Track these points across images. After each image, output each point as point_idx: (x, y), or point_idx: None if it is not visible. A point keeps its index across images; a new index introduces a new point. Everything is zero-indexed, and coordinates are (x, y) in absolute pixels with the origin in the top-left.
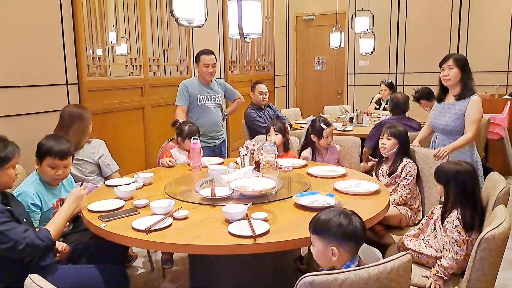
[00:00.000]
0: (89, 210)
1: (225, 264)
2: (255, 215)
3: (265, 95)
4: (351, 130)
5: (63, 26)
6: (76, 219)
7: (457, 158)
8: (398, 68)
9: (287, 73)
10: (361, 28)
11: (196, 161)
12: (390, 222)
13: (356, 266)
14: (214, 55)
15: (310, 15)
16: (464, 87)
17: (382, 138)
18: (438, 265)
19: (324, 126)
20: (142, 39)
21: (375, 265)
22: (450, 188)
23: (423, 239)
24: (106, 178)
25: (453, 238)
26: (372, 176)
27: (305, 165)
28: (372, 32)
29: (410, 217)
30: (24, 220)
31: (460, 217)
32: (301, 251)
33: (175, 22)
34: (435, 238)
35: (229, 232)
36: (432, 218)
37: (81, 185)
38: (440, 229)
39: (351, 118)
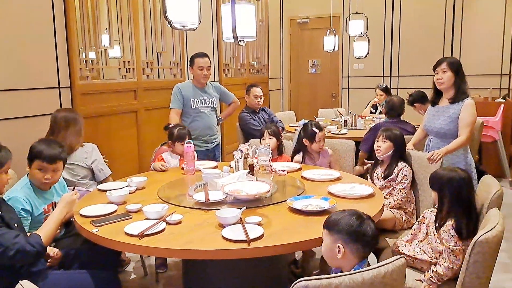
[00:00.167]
0: (81, 215)
1: (219, 268)
2: (249, 219)
3: (260, 98)
4: (346, 133)
5: (55, 29)
6: (68, 224)
7: (451, 161)
8: (392, 71)
9: (282, 76)
10: (355, 31)
11: (190, 165)
12: (384, 226)
13: None
14: (209, 58)
15: (304, 18)
16: (458, 91)
17: (377, 141)
18: (433, 271)
19: (316, 130)
20: (135, 42)
21: (369, 269)
22: (445, 195)
23: (417, 244)
24: (99, 183)
25: (449, 248)
26: (367, 179)
27: (300, 169)
28: (366, 35)
29: (405, 220)
30: (15, 225)
31: (456, 227)
32: (296, 255)
33: (169, 25)
34: (428, 244)
35: (223, 237)
36: (423, 223)
37: (72, 190)
38: (434, 235)
39: (345, 121)
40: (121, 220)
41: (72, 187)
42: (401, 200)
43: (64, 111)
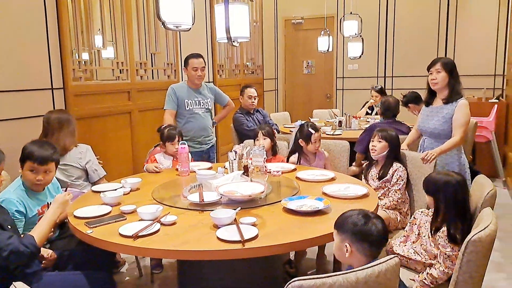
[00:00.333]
0: (75, 216)
1: (214, 269)
2: (243, 219)
3: (254, 99)
4: (340, 134)
5: (47, 30)
6: (62, 225)
7: (444, 162)
8: (386, 72)
9: (276, 77)
10: (350, 32)
11: (184, 166)
12: None
13: None
14: (203, 59)
15: (298, 19)
16: (452, 91)
17: (373, 141)
18: (427, 273)
19: (312, 131)
20: (129, 42)
21: (363, 269)
22: (440, 200)
23: (410, 245)
24: (93, 184)
25: (446, 254)
26: (361, 179)
27: (294, 169)
28: (361, 36)
29: (400, 221)
30: (9, 226)
31: (451, 232)
32: (290, 255)
33: (162, 26)
34: (421, 245)
35: (217, 237)
36: (415, 224)
37: (65, 191)
38: (429, 237)
39: (340, 122)
40: (115, 221)
41: (65, 188)
42: (397, 201)
43: (56, 113)
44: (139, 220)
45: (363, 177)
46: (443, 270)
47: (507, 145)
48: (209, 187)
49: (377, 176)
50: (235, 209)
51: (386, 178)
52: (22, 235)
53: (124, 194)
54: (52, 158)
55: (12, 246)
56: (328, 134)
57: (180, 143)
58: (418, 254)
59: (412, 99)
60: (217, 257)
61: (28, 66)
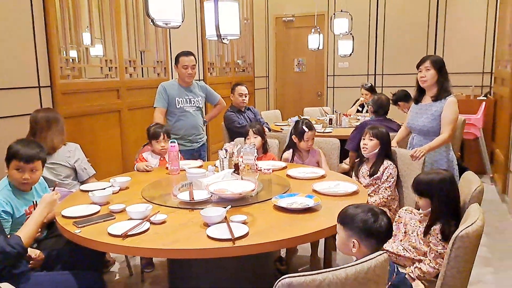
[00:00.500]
0: (63, 216)
1: (204, 267)
2: (234, 218)
3: (245, 97)
4: (331, 132)
5: (34, 27)
6: (50, 225)
7: (433, 158)
8: (376, 70)
9: (267, 75)
10: (340, 29)
11: (174, 165)
12: None
13: None
14: (194, 57)
15: (289, 17)
16: (441, 88)
17: (364, 139)
18: (416, 267)
19: (306, 129)
20: (118, 40)
21: (352, 265)
22: (436, 199)
23: (399, 243)
24: (82, 183)
25: (437, 251)
26: (351, 177)
27: (285, 167)
28: (351, 33)
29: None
30: None
31: (444, 231)
32: (281, 252)
33: (151, 23)
34: (409, 243)
35: (207, 236)
36: (400, 222)
37: (53, 190)
38: (417, 235)
39: (330, 119)
40: (104, 221)
41: (53, 188)
42: (387, 198)
43: (43, 111)
44: (129, 219)
45: (353, 174)
46: (434, 266)
47: (495, 142)
48: (200, 186)
49: (368, 174)
50: (225, 207)
51: (376, 175)
52: (9, 236)
53: (113, 193)
54: (38, 156)
55: None
56: (318, 132)
57: (170, 141)
58: (407, 251)
59: (402, 97)
60: (207, 255)
61: (15, 64)
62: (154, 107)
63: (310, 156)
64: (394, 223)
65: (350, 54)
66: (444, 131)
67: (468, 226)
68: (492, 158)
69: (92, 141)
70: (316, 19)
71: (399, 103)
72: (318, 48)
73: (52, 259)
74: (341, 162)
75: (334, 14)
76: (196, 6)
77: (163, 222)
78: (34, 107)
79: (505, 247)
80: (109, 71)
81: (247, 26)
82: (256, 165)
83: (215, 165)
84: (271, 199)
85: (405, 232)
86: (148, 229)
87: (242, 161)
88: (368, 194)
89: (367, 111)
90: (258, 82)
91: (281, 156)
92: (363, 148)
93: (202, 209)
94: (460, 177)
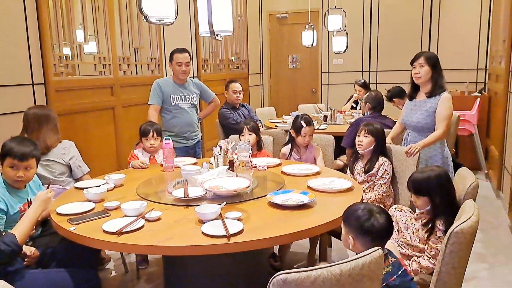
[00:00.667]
0: (57, 213)
1: (199, 264)
2: (228, 214)
3: (239, 94)
4: (325, 128)
5: (27, 24)
6: (44, 223)
7: (428, 155)
8: (371, 67)
9: (262, 72)
10: (334, 26)
11: (169, 162)
12: None
13: None
14: (189, 54)
15: (283, 13)
16: (435, 85)
17: (359, 136)
18: (414, 260)
19: (304, 124)
20: (111, 37)
21: (347, 261)
22: (435, 197)
23: (393, 240)
24: (77, 180)
25: (437, 249)
26: (346, 173)
27: (280, 164)
28: (345, 30)
29: None
30: None
31: (445, 228)
32: (274, 249)
33: (145, 20)
34: (402, 240)
35: (202, 233)
36: (393, 221)
37: (47, 188)
38: (413, 233)
39: (325, 116)
40: (98, 218)
41: (47, 185)
42: (382, 194)
43: (36, 108)
44: (123, 217)
45: (348, 170)
46: (434, 262)
47: (489, 138)
48: (194, 183)
49: (363, 170)
50: (220, 204)
51: (372, 172)
52: (3, 233)
53: (107, 191)
54: (32, 154)
55: None
56: None
57: (164, 138)
58: (401, 247)
59: (397, 94)
60: (202, 252)
61: (8, 61)
62: (149, 104)
63: (307, 152)
64: None
65: (344, 51)
66: (439, 127)
67: (463, 222)
68: (487, 155)
69: (86, 139)
70: (309, 15)
71: (394, 99)
72: (312, 45)
73: (47, 256)
74: (335, 158)
75: (328, 10)
76: (189, 3)
77: (158, 219)
78: (28, 104)
79: (500, 243)
80: (103, 68)
81: (240, 23)
82: (250, 162)
83: (209, 162)
84: (266, 195)
85: (398, 230)
86: (143, 226)
87: (237, 158)
88: (363, 191)
89: (361, 108)
90: (252, 79)
91: (280, 151)
92: (358, 145)
93: (197, 206)
94: (454, 173)
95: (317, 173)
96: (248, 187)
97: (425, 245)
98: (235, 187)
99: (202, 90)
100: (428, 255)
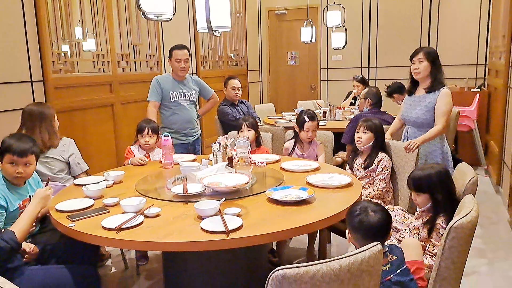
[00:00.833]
0: (57, 210)
1: (198, 260)
2: (228, 210)
3: (238, 90)
4: (325, 125)
5: (25, 21)
6: (44, 220)
7: (427, 150)
8: (370, 63)
9: (261, 68)
10: (333, 22)
11: (168, 158)
12: None
13: None
14: (188, 50)
15: (282, 9)
16: (434, 80)
17: (358, 132)
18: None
19: (306, 119)
20: (110, 34)
21: (346, 257)
22: (438, 193)
23: (393, 236)
24: (75, 177)
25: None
26: (346, 169)
27: (279, 160)
28: (344, 26)
29: None
30: None
31: (445, 225)
32: (273, 244)
33: (143, 16)
34: (399, 237)
35: (201, 229)
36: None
37: (46, 185)
38: (411, 231)
39: (324, 112)
40: (98, 214)
41: (46, 182)
42: (381, 190)
43: (34, 106)
44: (122, 213)
45: (347, 166)
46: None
47: (489, 134)
48: (193, 179)
49: (363, 166)
50: (219, 200)
51: (371, 168)
52: (3, 230)
53: (107, 187)
54: (31, 150)
55: None
56: None
57: (163, 135)
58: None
59: (396, 89)
60: (201, 248)
61: (6, 58)
62: (148, 101)
63: (311, 148)
64: None
65: (343, 47)
66: (438, 123)
67: (463, 217)
68: (486, 150)
69: (85, 136)
70: (308, 11)
71: (393, 95)
72: (311, 41)
73: (46, 253)
74: (334, 154)
75: (326, 6)
76: None
77: (157, 216)
78: (27, 101)
79: (499, 238)
80: (102, 65)
81: (239, 19)
82: (250, 158)
83: (209, 159)
84: (265, 192)
85: (395, 228)
86: (142, 223)
87: (236, 155)
88: (363, 187)
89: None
90: (251, 75)
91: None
92: (357, 141)
93: (196, 202)
94: (454, 169)
95: (317, 169)
96: (247, 183)
97: (427, 243)
98: (234, 183)
99: (201, 86)
100: (431, 253)
